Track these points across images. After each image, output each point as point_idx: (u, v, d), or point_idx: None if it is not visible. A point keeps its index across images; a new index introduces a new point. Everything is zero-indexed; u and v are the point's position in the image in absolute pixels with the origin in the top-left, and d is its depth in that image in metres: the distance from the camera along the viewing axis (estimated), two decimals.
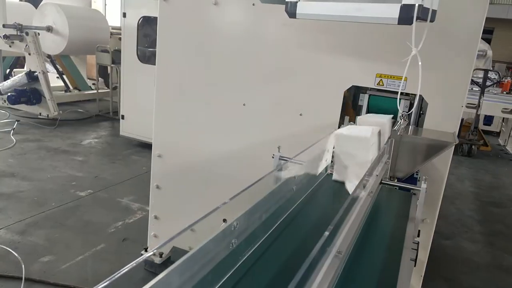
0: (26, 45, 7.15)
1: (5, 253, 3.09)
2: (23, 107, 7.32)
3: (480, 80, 7.89)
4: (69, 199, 4.12)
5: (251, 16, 2.51)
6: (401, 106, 2.32)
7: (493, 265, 3.88)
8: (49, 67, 9.08)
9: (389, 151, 1.64)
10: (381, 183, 1.41)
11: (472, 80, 8.19)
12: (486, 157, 8.10)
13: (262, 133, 2.61)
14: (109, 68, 7.78)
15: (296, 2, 1.73)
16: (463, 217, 4.95)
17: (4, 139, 5.91)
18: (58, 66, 8.66)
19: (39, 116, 7.24)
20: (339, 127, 2.24)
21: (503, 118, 8.88)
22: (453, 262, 3.85)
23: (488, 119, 9.39)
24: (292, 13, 1.77)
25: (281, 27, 2.43)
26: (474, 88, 8.28)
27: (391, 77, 2.24)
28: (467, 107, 8.11)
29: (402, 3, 1.44)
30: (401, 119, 1.75)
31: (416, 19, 1.44)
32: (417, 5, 1.40)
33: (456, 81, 2.11)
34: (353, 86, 2.33)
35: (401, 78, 2.25)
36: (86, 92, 8.55)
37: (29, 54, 7.24)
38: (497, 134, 9.90)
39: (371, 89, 2.34)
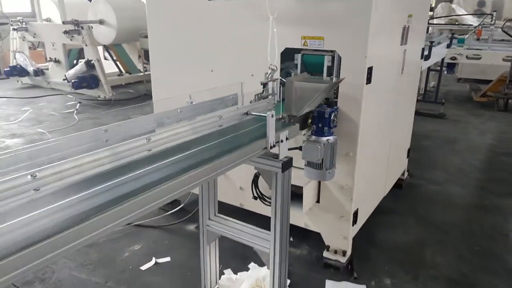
0: (83, 37, 8.29)
1: None
2: (85, 91, 8.55)
3: None
4: None
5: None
6: (326, 61, 2.82)
7: (474, 205, 4.13)
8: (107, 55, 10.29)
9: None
10: None
11: (506, 32, 8.02)
12: None
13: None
14: None
15: None
16: (466, 166, 5.14)
17: (69, 118, 7.13)
18: (112, 54, 9.80)
19: (98, 98, 8.40)
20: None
21: None
22: (431, 203, 4.17)
23: None
24: None
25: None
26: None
27: (312, 38, 2.74)
28: (504, 60, 7.93)
29: None
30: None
31: None
32: None
33: (357, 34, 2.56)
34: (286, 48, 2.86)
35: (320, 38, 2.75)
36: (135, 75, 9.64)
37: (86, 45, 8.38)
38: None
39: (304, 49, 2.84)
